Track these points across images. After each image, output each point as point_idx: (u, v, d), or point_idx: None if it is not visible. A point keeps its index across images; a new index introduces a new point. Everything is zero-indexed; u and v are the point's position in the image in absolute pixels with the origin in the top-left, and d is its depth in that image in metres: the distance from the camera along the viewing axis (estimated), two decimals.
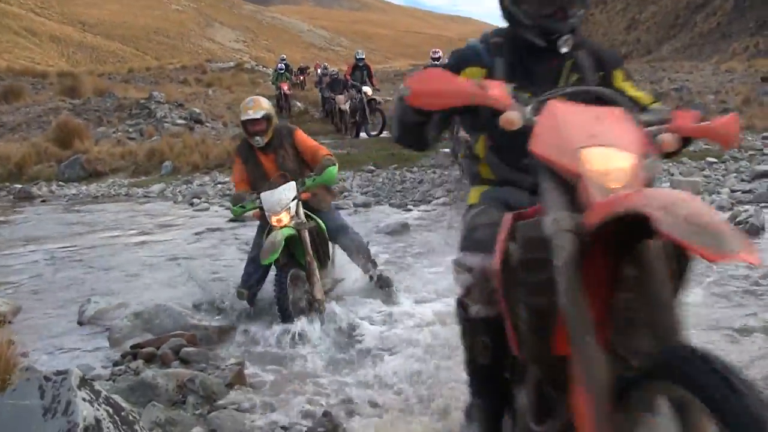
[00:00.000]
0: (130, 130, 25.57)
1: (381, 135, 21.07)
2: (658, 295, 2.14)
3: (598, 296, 2.24)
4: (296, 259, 6.84)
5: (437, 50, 20.23)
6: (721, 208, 11.18)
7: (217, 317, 6.98)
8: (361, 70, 22.11)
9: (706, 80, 30.77)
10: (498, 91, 2.56)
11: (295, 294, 6.65)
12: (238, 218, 7.45)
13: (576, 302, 2.15)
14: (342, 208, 11.28)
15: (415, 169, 15.95)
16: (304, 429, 4.48)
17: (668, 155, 2.70)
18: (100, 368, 5.76)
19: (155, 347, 5.98)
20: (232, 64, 60.29)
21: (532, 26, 3.08)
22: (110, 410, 3.33)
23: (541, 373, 2.55)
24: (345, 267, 7.74)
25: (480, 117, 2.99)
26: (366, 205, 13.07)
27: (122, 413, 3.41)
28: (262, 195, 6.81)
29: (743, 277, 7.33)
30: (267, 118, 7.08)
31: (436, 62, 18.44)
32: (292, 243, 6.74)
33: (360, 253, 7.35)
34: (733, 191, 12.21)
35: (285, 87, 29.82)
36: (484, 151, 3.27)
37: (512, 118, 2.49)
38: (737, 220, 9.91)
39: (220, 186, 16.62)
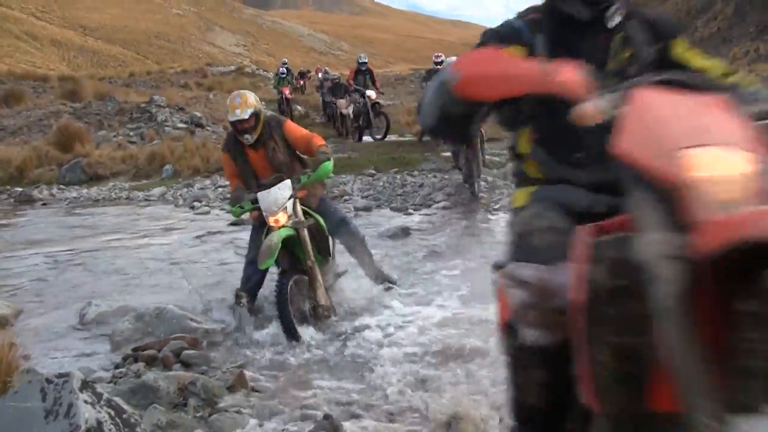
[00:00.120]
0: (131, 133, 25.57)
1: (385, 139, 21.07)
2: None
3: (706, 337, 1.80)
4: (298, 258, 6.78)
5: (440, 54, 20.18)
6: None
7: (217, 320, 6.98)
8: (363, 74, 22.09)
9: None
10: (570, 75, 2.12)
11: (297, 302, 6.57)
12: (238, 220, 7.38)
13: (687, 346, 1.75)
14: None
15: (416, 173, 15.95)
16: None
17: None
18: (101, 371, 5.78)
19: (156, 350, 6.00)
20: (232, 68, 60.35)
21: None
22: (112, 412, 3.34)
23: None
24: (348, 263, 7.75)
25: (522, 107, 2.61)
26: (367, 208, 13.06)
27: (124, 415, 3.41)
28: (259, 195, 6.73)
29: None
30: (255, 114, 6.95)
31: (438, 66, 18.43)
32: (292, 242, 6.69)
33: (360, 248, 7.35)
34: None
35: (287, 91, 29.63)
36: (529, 146, 2.79)
37: (590, 110, 2.05)
38: None
39: (220, 189, 16.61)
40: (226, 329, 6.69)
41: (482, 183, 13.64)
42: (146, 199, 16.95)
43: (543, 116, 2.38)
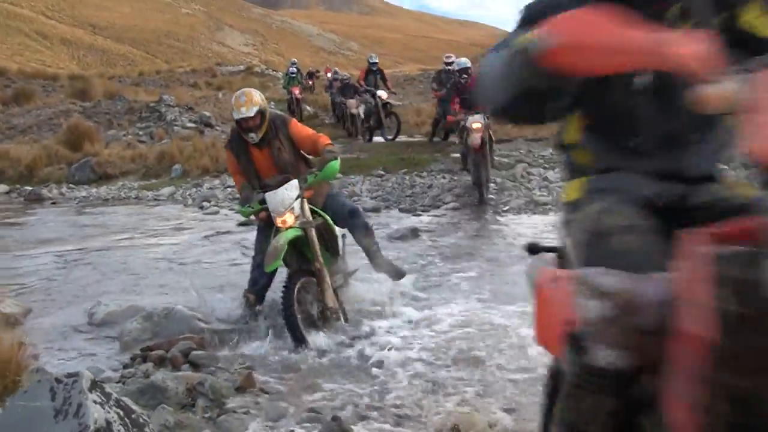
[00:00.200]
0: (141, 133, 25.62)
1: (396, 139, 21.01)
2: None
3: None
4: (306, 258, 6.74)
5: (450, 55, 20.12)
6: None
7: (226, 321, 6.99)
8: (374, 74, 21.97)
9: None
10: (691, 48, 1.65)
11: (305, 305, 6.52)
12: (247, 220, 7.31)
13: None
14: None
15: (425, 173, 15.94)
16: None
17: None
18: (109, 371, 5.79)
19: (165, 350, 6.01)
20: (242, 67, 60.40)
21: None
22: (121, 412, 3.35)
23: None
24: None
25: (569, 88, 2.02)
26: (375, 209, 13.05)
27: (132, 415, 3.42)
28: (267, 195, 6.68)
29: None
30: (261, 112, 6.87)
31: (449, 67, 18.38)
32: (300, 243, 6.66)
33: (368, 238, 7.26)
34: None
35: (296, 91, 29.34)
36: (579, 134, 2.42)
37: (721, 93, 1.56)
38: None
39: (229, 189, 16.61)
40: (235, 330, 6.68)
41: (491, 185, 13.61)
42: (155, 199, 16.98)
43: (593, 98, 2.07)
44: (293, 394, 5.17)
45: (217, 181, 17.85)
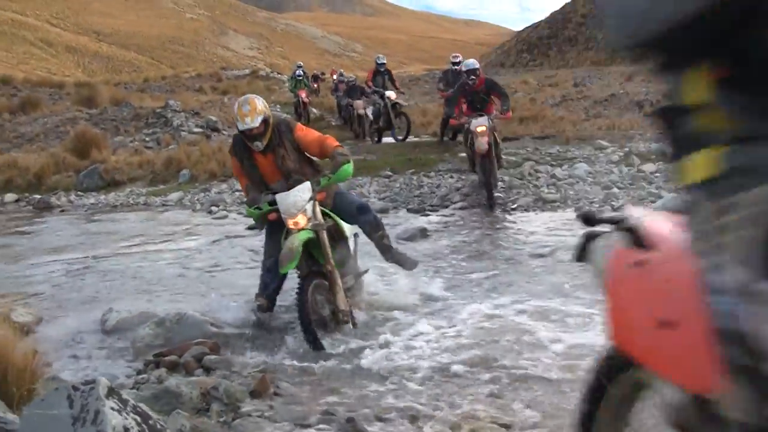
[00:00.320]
0: (147, 139, 25.63)
1: (407, 139, 20.88)
2: None
3: None
4: (316, 261, 6.72)
5: (457, 55, 19.92)
6: None
7: (238, 325, 6.99)
8: (382, 75, 21.70)
9: None
10: None
11: (317, 308, 6.51)
12: (256, 221, 7.22)
13: None
14: None
15: (433, 173, 15.92)
16: None
17: None
18: (123, 377, 5.80)
19: (178, 355, 6.02)
20: (247, 71, 60.45)
21: None
22: (138, 419, 3.36)
23: None
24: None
25: (699, 31, 1.44)
26: (384, 210, 13.02)
27: (150, 421, 3.43)
28: (277, 197, 6.64)
29: None
30: (265, 121, 6.75)
31: (456, 67, 18.29)
32: (311, 245, 6.64)
33: (379, 231, 7.20)
34: None
35: (303, 95, 28.93)
36: (709, 91, 1.65)
37: None
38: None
39: (237, 194, 16.60)
40: (247, 334, 6.70)
41: (499, 183, 13.58)
42: (164, 204, 16.98)
43: (741, 43, 1.45)
44: (307, 397, 5.18)
45: (225, 186, 17.84)
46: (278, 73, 59.39)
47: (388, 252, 7.28)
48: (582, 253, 2.42)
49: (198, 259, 10.62)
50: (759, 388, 1.35)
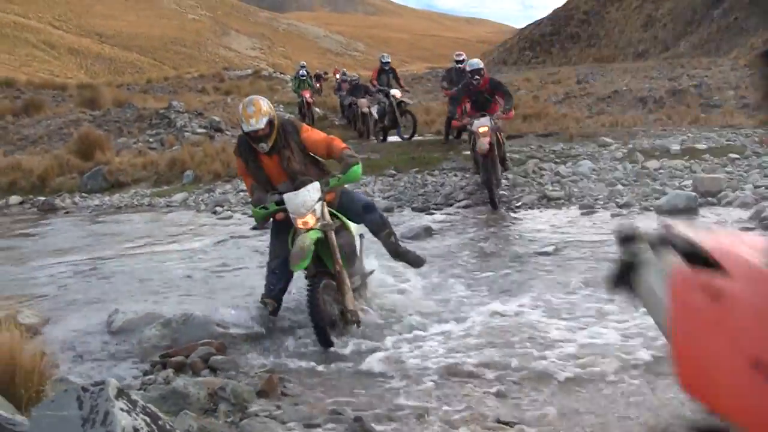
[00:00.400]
0: (151, 140, 25.63)
1: (413, 138, 20.78)
2: None
3: None
4: (323, 263, 6.68)
5: (461, 53, 19.86)
6: (745, 204, 11.14)
7: (244, 325, 6.98)
8: (387, 74, 21.52)
9: (725, 76, 30.59)
10: None
11: (326, 307, 6.48)
12: (258, 221, 7.16)
13: None
14: None
15: (437, 172, 15.92)
16: None
17: None
18: (130, 378, 5.80)
19: (184, 356, 6.02)
20: (249, 71, 60.48)
21: None
22: (148, 419, 3.36)
23: None
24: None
25: None
26: (388, 209, 13.00)
27: (159, 422, 3.44)
28: (286, 196, 6.58)
29: None
30: (270, 122, 6.65)
31: (460, 65, 18.24)
32: (319, 245, 6.58)
33: (385, 230, 7.15)
34: (756, 187, 12.14)
35: (307, 95, 28.63)
36: None
37: None
38: (762, 216, 9.87)
39: (242, 194, 16.61)
40: (253, 334, 6.70)
41: (503, 182, 13.56)
42: (168, 205, 17.00)
43: None
44: (315, 397, 5.18)
45: (229, 186, 17.85)
46: (281, 73, 59.40)
47: (395, 250, 7.26)
48: (620, 280, 2.05)
49: (203, 259, 10.62)
50: None
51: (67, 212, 17.60)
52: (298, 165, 6.83)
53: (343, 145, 6.89)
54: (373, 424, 4.53)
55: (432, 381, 5.33)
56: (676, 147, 15.77)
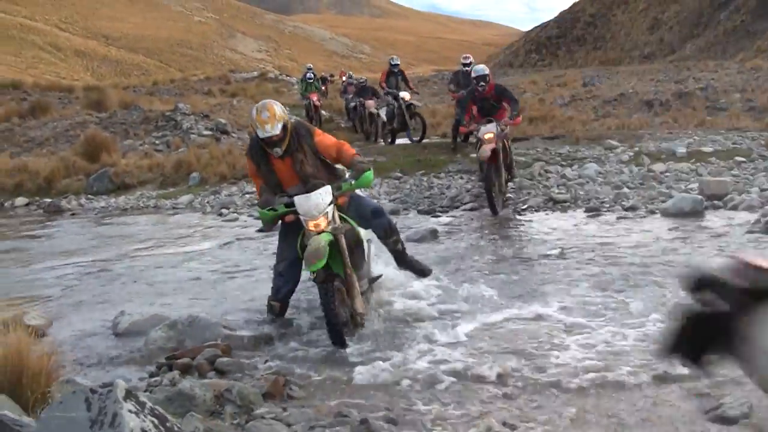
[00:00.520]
0: (157, 142, 25.66)
1: (422, 140, 20.66)
2: None
3: None
4: (330, 266, 6.54)
5: (468, 56, 19.76)
6: (751, 207, 11.13)
7: (250, 327, 6.99)
8: (395, 76, 21.37)
9: (732, 79, 30.55)
10: None
11: (341, 309, 6.46)
12: (265, 223, 7.12)
13: None
14: None
15: (442, 175, 15.93)
16: None
17: None
18: (136, 380, 5.80)
19: (190, 358, 6.02)
20: (255, 73, 60.49)
21: None
22: (156, 421, 3.36)
23: None
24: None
25: None
26: (394, 212, 12.99)
27: (167, 423, 3.44)
28: (296, 199, 6.54)
29: None
30: (284, 127, 6.62)
31: (467, 68, 18.14)
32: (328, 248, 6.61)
33: (393, 236, 7.12)
34: (762, 190, 12.13)
35: (314, 98, 28.32)
36: None
37: None
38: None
39: (248, 196, 16.64)
40: (259, 337, 6.70)
41: (510, 186, 13.53)
42: (174, 207, 17.02)
43: None
44: (321, 399, 5.18)
45: (235, 188, 17.87)
46: (287, 76, 59.50)
47: (401, 258, 7.26)
48: (685, 342, 1.73)
49: (209, 261, 10.63)
50: None
51: (73, 214, 17.64)
52: (311, 168, 6.81)
53: (354, 151, 6.90)
54: (378, 427, 4.53)
55: (440, 385, 5.32)
56: (682, 150, 15.76)
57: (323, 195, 6.52)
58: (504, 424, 4.57)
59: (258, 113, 6.62)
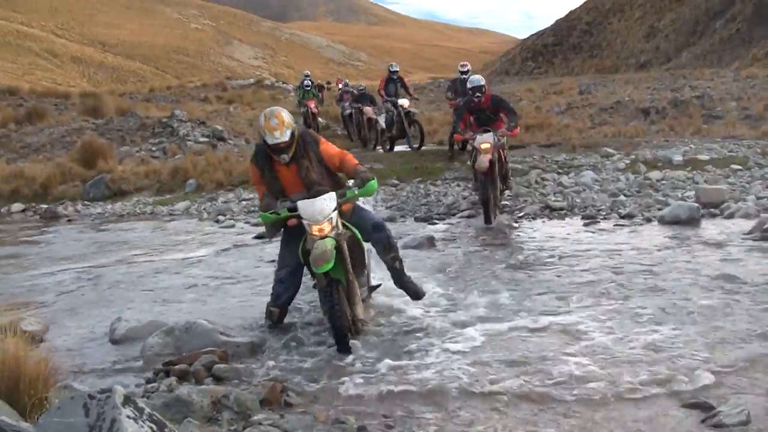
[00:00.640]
0: (153, 148, 25.68)
1: (421, 148, 20.56)
2: None
3: None
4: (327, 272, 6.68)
5: (465, 63, 19.71)
6: (747, 215, 11.16)
7: (248, 334, 6.98)
8: (395, 83, 21.35)
9: (728, 87, 30.67)
10: None
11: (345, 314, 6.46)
12: (268, 229, 7.11)
13: None
14: None
15: (439, 182, 15.96)
16: None
17: None
18: (133, 386, 5.79)
19: (187, 364, 6.01)
20: (252, 80, 60.60)
21: None
22: (154, 427, 3.35)
23: None
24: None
25: None
26: (391, 219, 13.02)
27: (165, 430, 3.43)
28: (300, 203, 6.55)
29: None
30: (292, 134, 6.64)
31: (464, 76, 18.06)
32: None
33: (391, 253, 7.09)
34: (759, 198, 12.16)
35: (312, 105, 28.08)
36: None
37: None
38: (765, 227, 9.88)
39: (244, 203, 16.66)
40: (257, 343, 6.69)
41: (506, 193, 13.51)
42: (170, 214, 17.02)
43: None
44: (318, 406, 5.17)
45: (231, 195, 17.89)
46: (283, 83, 59.56)
47: (397, 276, 7.23)
48: None
49: (206, 268, 10.62)
50: None
51: (69, 220, 17.63)
52: (316, 175, 6.82)
53: (356, 161, 6.90)
54: None
55: (440, 394, 5.30)
56: (678, 158, 15.81)
57: (327, 201, 6.54)
58: None
59: (267, 120, 6.63)
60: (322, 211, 6.47)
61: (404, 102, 20.60)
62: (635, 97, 29.99)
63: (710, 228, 10.84)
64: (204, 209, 16.83)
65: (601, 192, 13.78)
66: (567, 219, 12.40)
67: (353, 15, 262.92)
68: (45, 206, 19.21)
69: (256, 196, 16.40)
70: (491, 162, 11.84)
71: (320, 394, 5.44)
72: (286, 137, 6.58)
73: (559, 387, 5.30)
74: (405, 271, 7.29)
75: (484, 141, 11.95)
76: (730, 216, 11.43)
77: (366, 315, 6.79)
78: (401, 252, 7.37)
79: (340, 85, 32.30)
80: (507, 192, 13.59)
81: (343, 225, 6.75)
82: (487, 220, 12.14)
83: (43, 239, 14.82)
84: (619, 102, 28.74)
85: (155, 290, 9.45)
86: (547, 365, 5.74)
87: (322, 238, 6.40)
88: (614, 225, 11.56)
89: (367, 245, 7.15)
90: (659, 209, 12.04)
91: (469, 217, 13.13)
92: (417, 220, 13.45)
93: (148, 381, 5.88)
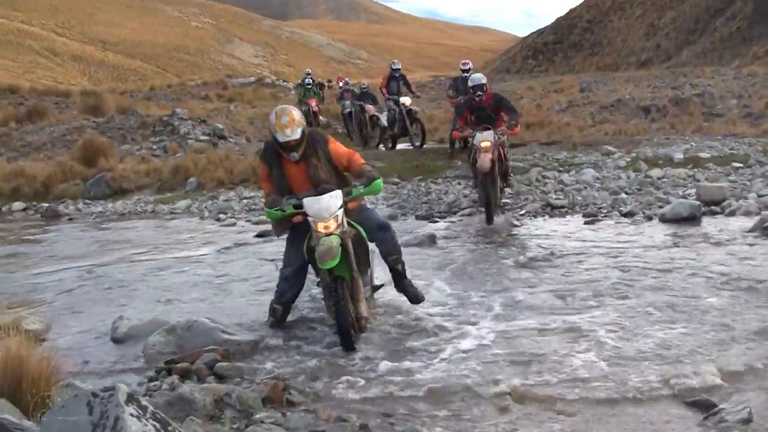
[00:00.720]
0: (154, 147, 25.69)
1: (423, 146, 20.48)
2: None
3: None
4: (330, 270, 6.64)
5: (467, 61, 19.66)
6: (748, 213, 11.15)
7: (250, 332, 6.98)
8: (397, 81, 21.33)
9: (728, 85, 30.66)
10: None
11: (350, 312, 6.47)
12: (275, 226, 7.12)
13: None
14: None
15: (440, 180, 15.96)
16: None
17: None
18: (135, 385, 5.78)
19: (189, 363, 6.01)
20: (252, 79, 60.54)
21: None
22: (158, 425, 3.35)
23: None
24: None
25: None
26: (392, 217, 12.99)
27: (169, 428, 3.43)
28: (306, 201, 6.58)
29: None
30: (302, 132, 6.71)
31: (466, 74, 18.01)
32: None
33: (394, 255, 7.06)
34: (760, 196, 12.16)
35: (313, 103, 28.29)
36: None
37: None
38: (765, 225, 9.88)
39: (245, 201, 16.66)
40: (259, 341, 6.69)
41: (507, 194, 13.49)
42: (171, 212, 17.01)
43: None
44: (320, 404, 5.17)
45: (232, 193, 17.89)
46: (284, 81, 59.53)
47: (398, 279, 7.22)
48: None
49: (207, 266, 10.61)
50: None
51: (70, 219, 17.63)
52: (324, 174, 6.86)
53: (363, 161, 6.94)
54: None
55: (443, 393, 5.29)
56: (679, 156, 15.81)
57: (334, 198, 6.57)
58: None
59: (278, 117, 6.69)
60: (328, 208, 6.50)
61: (406, 100, 20.57)
62: (636, 95, 29.98)
63: (711, 226, 10.83)
64: (205, 208, 16.82)
65: (602, 190, 13.78)
66: (568, 217, 12.40)
67: (354, 13, 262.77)
68: (46, 205, 19.23)
69: (257, 194, 16.41)
70: (492, 162, 11.73)
71: (322, 392, 5.44)
72: (297, 135, 6.64)
73: (562, 387, 5.28)
74: (406, 274, 7.27)
75: (484, 139, 11.85)
76: (731, 214, 11.43)
77: (370, 314, 6.78)
78: (403, 248, 7.37)
79: (341, 84, 32.26)
80: (508, 190, 13.56)
81: (349, 223, 6.75)
82: (489, 220, 12.07)
83: (45, 238, 14.82)
84: (619, 100, 28.73)
85: (157, 289, 9.44)
86: (548, 365, 5.73)
87: (328, 235, 6.41)
88: (615, 223, 11.55)
89: (370, 245, 7.15)
90: (660, 207, 12.04)
91: (470, 215, 13.11)
92: (418, 218, 13.44)
93: (150, 379, 5.88)
